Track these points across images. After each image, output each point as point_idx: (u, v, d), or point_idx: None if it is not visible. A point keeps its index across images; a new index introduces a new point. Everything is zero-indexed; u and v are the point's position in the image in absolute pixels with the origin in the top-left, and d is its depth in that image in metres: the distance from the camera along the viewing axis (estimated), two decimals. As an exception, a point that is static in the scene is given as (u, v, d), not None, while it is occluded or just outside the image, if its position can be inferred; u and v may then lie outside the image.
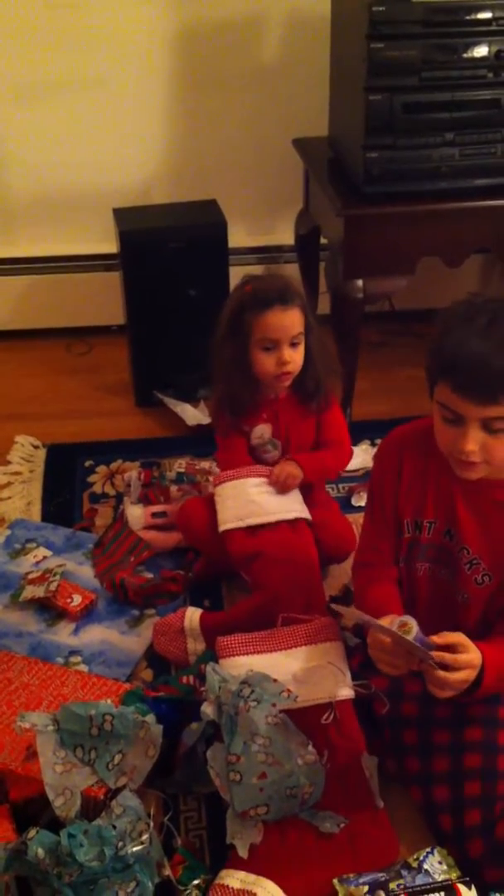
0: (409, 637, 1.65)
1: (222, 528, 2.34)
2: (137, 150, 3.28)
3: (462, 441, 1.67)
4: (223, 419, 2.44)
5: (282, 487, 2.37)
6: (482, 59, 2.56)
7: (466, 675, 1.68)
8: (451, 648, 1.69)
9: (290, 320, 2.28)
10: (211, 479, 2.70)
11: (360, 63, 2.56)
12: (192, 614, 2.23)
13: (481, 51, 2.55)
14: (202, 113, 3.25)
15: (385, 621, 1.71)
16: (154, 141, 3.28)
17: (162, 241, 2.94)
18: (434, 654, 1.67)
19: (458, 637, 1.70)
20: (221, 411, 2.44)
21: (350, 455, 2.52)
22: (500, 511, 1.80)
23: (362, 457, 2.87)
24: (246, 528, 2.33)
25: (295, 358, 2.31)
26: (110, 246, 3.16)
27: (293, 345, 2.31)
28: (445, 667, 1.68)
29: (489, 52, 2.55)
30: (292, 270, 3.30)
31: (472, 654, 1.68)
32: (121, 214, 3.03)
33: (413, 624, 1.68)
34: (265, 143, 3.30)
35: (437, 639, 1.68)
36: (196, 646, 2.20)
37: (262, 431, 2.43)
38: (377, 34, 2.50)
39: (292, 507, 2.39)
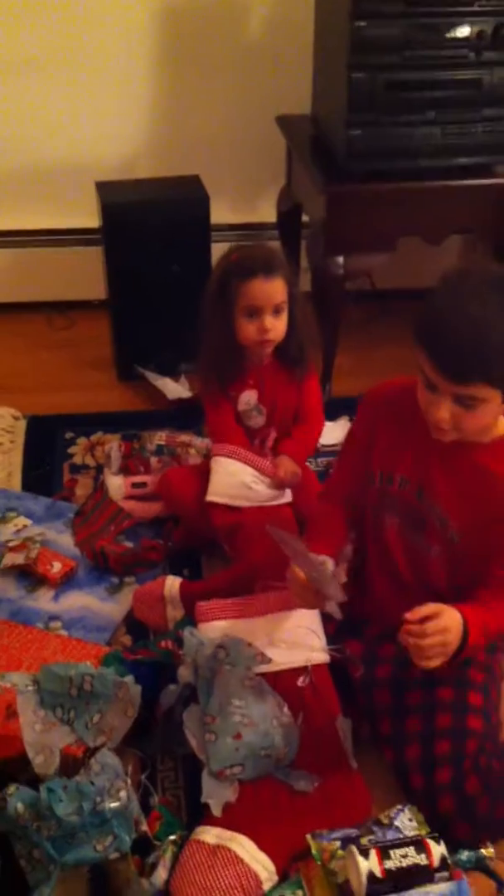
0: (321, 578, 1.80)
1: (209, 498, 2.38)
2: (121, 124, 3.29)
3: (434, 408, 1.72)
4: (211, 384, 2.47)
5: (284, 485, 2.43)
6: (464, 39, 2.60)
7: (439, 640, 1.70)
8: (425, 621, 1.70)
9: (273, 289, 2.32)
10: (192, 451, 2.74)
11: (343, 41, 2.58)
12: (172, 582, 2.26)
13: (463, 31, 2.58)
14: (186, 88, 3.26)
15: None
16: (138, 116, 3.29)
17: (144, 215, 2.96)
18: (406, 627, 1.70)
19: (429, 608, 1.72)
20: (209, 376, 2.47)
21: (322, 423, 2.58)
22: (476, 473, 1.82)
23: (340, 432, 2.90)
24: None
25: (277, 326, 2.35)
26: (92, 220, 3.17)
27: (276, 313, 2.34)
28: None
29: (471, 32, 2.58)
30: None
31: (444, 620, 1.71)
32: (103, 188, 3.04)
33: (330, 565, 1.85)
34: (248, 120, 3.32)
35: (410, 615, 1.71)
36: (175, 613, 2.23)
37: (248, 398, 2.47)
38: (360, 12, 2.53)
39: (277, 497, 2.44)
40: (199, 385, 2.52)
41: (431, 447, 1.84)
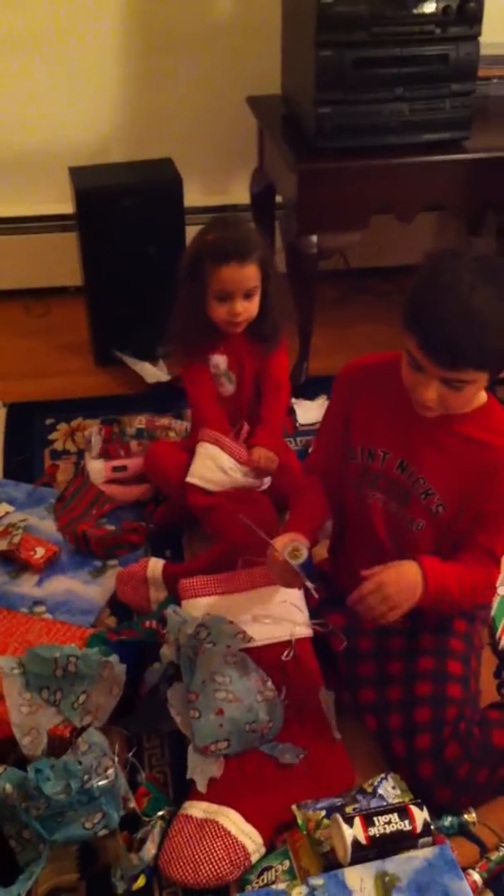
0: (296, 562, 1.88)
1: (188, 479, 2.40)
2: (92, 109, 3.28)
3: (421, 390, 1.74)
4: (178, 350, 2.50)
5: (262, 472, 2.44)
6: (431, 14, 2.60)
7: (377, 597, 1.75)
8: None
9: (246, 275, 2.32)
10: (172, 434, 2.75)
11: (311, 19, 2.58)
12: (155, 564, 2.28)
13: (430, 6, 2.58)
14: (156, 71, 3.26)
15: (280, 542, 1.90)
16: (109, 100, 3.28)
17: (118, 198, 2.95)
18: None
19: (372, 570, 1.79)
20: (176, 344, 2.49)
21: (288, 392, 2.60)
22: (458, 442, 1.85)
23: (318, 411, 2.92)
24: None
25: (248, 308, 2.37)
26: (66, 206, 3.17)
27: (246, 297, 2.36)
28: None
29: (437, 7, 2.59)
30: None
31: (378, 577, 1.77)
32: (77, 173, 3.04)
33: (304, 551, 1.90)
34: (219, 102, 3.31)
35: (366, 573, 1.79)
36: (158, 594, 2.25)
37: (217, 361, 2.48)
38: (327, -11, 2.53)
39: (256, 485, 2.46)
40: (173, 356, 2.51)
41: (412, 419, 1.85)
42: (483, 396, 1.86)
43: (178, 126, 3.34)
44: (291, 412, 2.93)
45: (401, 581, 1.78)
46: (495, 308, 1.64)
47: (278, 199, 3.23)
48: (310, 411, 2.93)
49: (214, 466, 2.41)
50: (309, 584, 1.90)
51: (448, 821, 1.78)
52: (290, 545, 1.91)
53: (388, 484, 1.94)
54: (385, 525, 1.98)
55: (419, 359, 1.70)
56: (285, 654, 1.99)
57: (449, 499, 1.88)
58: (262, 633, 2.00)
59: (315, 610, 2.06)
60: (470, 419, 1.84)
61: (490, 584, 1.95)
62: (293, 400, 2.93)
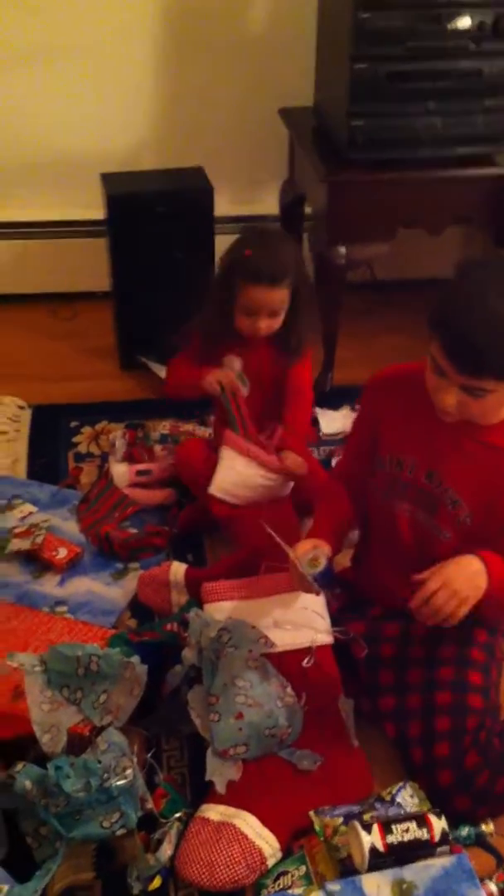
0: (315, 571, 1.91)
1: (211, 491, 2.41)
2: (126, 116, 3.31)
3: (442, 394, 1.75)
4: (195, 340, 2.50)
5: (291, 477, 2.45)
6: (465, 30, 2.62)
7: (446, 594, 1.71)
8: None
9: (274, 297, 2.35)
10: (209, 434, 2.77)
11: (347, 32, 2.61)
12: (178, 568, 2.29)
13: (465, 22, 2.60)
14: (190, 80, 3.28)
15: (301, 548, 1.93)
16: (142, 108, 3.31)
17: (149, 205, 2.98)
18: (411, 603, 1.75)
19: (427, 573, 1.77)
20: (197, 336, 2.50)
21: (310, 405, 2.60)
22: (485, 452, 1.84)
23: (342, 421, 2.93)
24: None
25: (271, 325, 2.39)
26: (97, 212, 3.19)
27: (271, 315, 2.37)
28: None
29: (472, 23, 2.61)
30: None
31: (441, 574, 1.74)
32: (108, 179, 3.06)
33: (322, 560, 1.92)
34: (252, 113, 3.34)
35: (420, 576, 1.77)
36: (179, 598, 2.26)
37: (232, 363, 2.49)
38: (365, 3, 2.55)
39: (278, 495, 2.47)
40: (191, 347, 2.53)
41: (440, 429, 1.85)
42: None
43: (209, 135, 3.37)
44: (315, 422, 2.94)
45: (465, 572, 1.75)
46: None
47: (307, 210, 3.25)
48: (334, 421, 2.93)
49: (239, 481, 2.41)
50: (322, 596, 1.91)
51: (465, 831, 1.78)
52: (309, 553, 1.93)
53: (417, 493, 1.95)
54: (412, 535, 1.98)
55: (442, 364, 1.70)
56: (306, 660, 1.99)
57: (476, 508, 1.88)
58: (283, 639, 2.01)
59: (336, 617, 2.06)
60: (497, 429, 1.84)
61: None
62: (317, 409, 2.94)
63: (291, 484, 2.48)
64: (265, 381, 2.53)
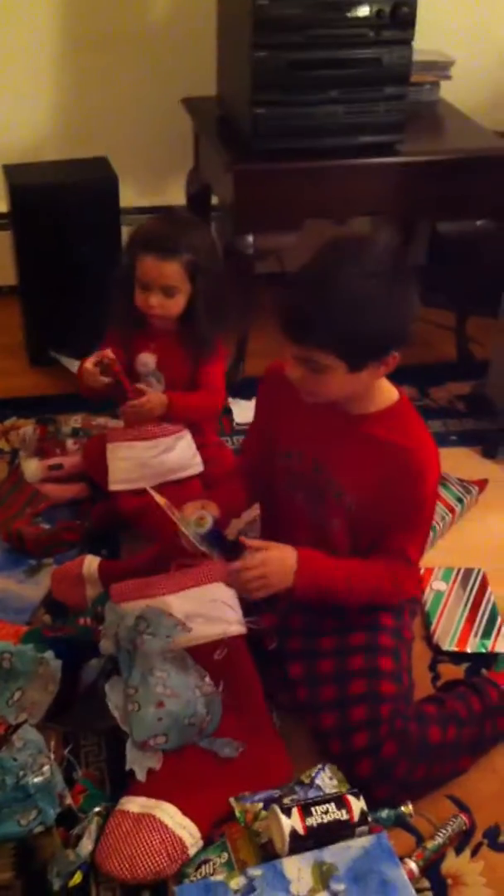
0: (202, 530, 1.88)
1: (111, 488, 2.40)
2: (27, 106, 3.26)
3: (287, 367, 1.79)
4: (111, 332, 2.48)
5: (140, 416, 2.41)
6: (364, 18, 2.63)
7: (258, 573, 1.80)
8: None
9: (163, 271, 2.32)
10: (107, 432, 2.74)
11: (246, 20, 2.60)
12: (91, 561, 2.26)
13: (363, 10, 2.62)
14: (91, 70, 3.25)
15: (189, 507, 1.93)
16: (43, 98, 3.26)
17: (53, 196, 2.94)
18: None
19: (262, 543, 1.85)
20: (112, 325, 2.48)
21: (221, 401, 2.58)
22: (365, 443, 1.86)
23: (253, 411, 2.93)
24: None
25: (165, 304, 2.36)
26: (0, 205, 3.14)
27: (165, 293, 2.35)
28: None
29: (371, 11, 2.62)
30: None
31: (271, 550, 1.83)
32: (10, 171, 3.01)
33: (209, 519, 1.90)
34: (155, 102, 3.31)
35: (250, 542, 1.85)
36: (94, 592, 2.23)
37: (146, 359, 2.47)
38: (262, -8, 2.55)
39: (184, 465, 2.45)
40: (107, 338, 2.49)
41: (324, 421, 1.87)
42: (392, 395, 1.88)
43: (113, 126, 3.33)
44: (228, 411, 2.94)
45: (282, 565, 1.83)
46: (349, 291, 1.65)
47: (214, 200, 3.24)
48: (246, 411, 2.93)
49: (129, 467, 2.41)
50: (212, 555, 1.91)
51: (385, 813, 1.79)
52: (195, 514, 1.91)
53: (307, 483, 1.97)
54: (307, 524, 2.01)
55: (279, 331, 1.73)
56: (218, 652, 1.98)
57: (359, 499, 1.90)
58: (196, 633, 1.99)
59: (247, 608, 2.05)
60: (378, 420, 1.86)
61: (400, 585, 1.94)
62: (230, 399, 2.93)
63: (185, 440, 2.46)
64: (178, 379, 2.50)
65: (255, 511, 2.29)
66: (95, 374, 2.35)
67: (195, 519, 1.90)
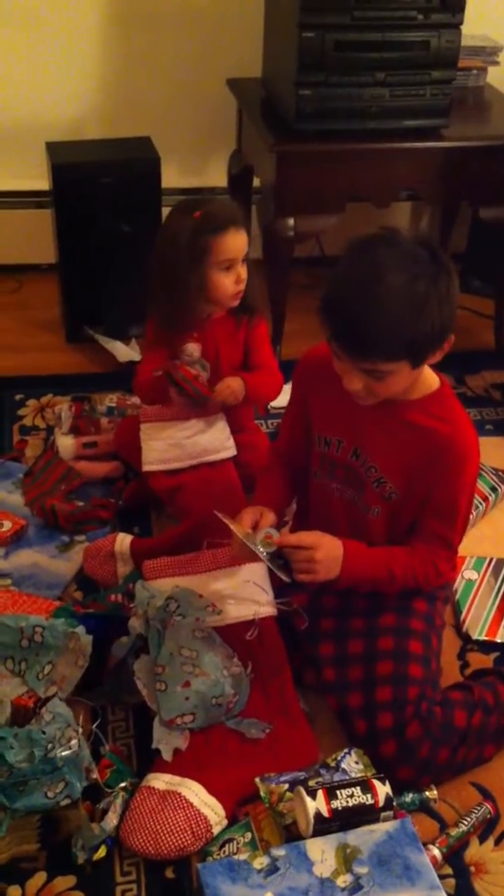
0: (269, 550, 1.86)
1: (145, 468, 2.40)
2: (72, 84, 3.25)
3: (347, 379, 1.75)
4: (157, 333, 2.46)
5: (223, 403, 2.41)
6: (413, 0, 2.61)
7: (305, 556, 1.81)
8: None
9: (244, 241, 2.33)
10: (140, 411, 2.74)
11: (294, 1, 2.58)
12: (123, 539, 2.28)
13: (412, -8, 2.60)
14: (137, 49, 3.24)
15: (245, 517, 1.92)
16: (88, 76, 3.26)
17: (95, 175, 2.94)
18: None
19: (310, 535, 1.85)
20: (157, 326, 2.46)
21: (282, 382, 2.53)
22: (407, 430, 1.85)
23: (288, 395, 2.92)
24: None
25: (243, 276, 2.36)
26: (42, 183, 3.15)
27: (244, 263, 2.36)
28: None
29: (420, -6, 2.60)
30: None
31: (324, 537, 1.83)
32: (54, 148, 3.02)
33: (275, 537, 1.87)
34: (199, 83, 3.30)
35: (291, 538, 1.84)
36: (125, 569, 2.25)
37: (191, 350, 2.45)
38: (311, -28, 2.53)
39: (217, 448, 2.44)
40: (148, 336, 2.50)
41: (363, 408, 1.85)
42: (433, 382, 1.87)
43: (157, 105, 3.33)
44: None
45: (331, 554, 1.83)
46: (403, 297, 1.62)
47: (256, 182, 3.23)
48: (282, 395, 2.92)
49: (165, 446, 2.41)
50: (275, 569, 1.88)
51: (409, 797, 1.79)
52: (261, 533, 1.89)
53: (345, 472, 1.96)
54: (343, 512, 2.00)
55: (334, 349, 1.71)
56: (249, 633, 1.99)
57: (400, 485, 1.89)
58: (227, 613, 2.01)
59: (278, 589, 2.06)
60: (418, 406, 1.85)
61: (440, 570, 1.94)
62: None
63: (219, 422, 2.46)
64: (223, 362, 2.48)
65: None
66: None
67: (262, 539, 1.89)
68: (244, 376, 2.43)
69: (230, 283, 2.35)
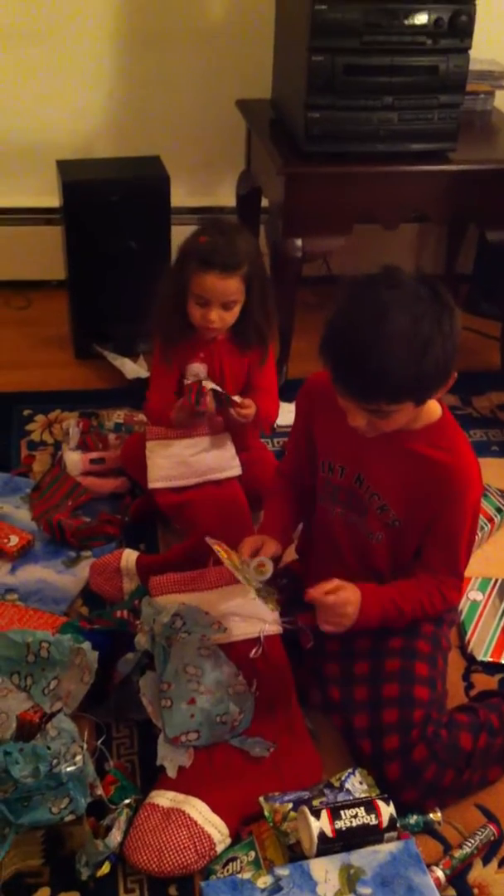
0: (262, 577, 1.92)
1: (151, 486, 2.41)
2: (83, 103, 3.28)
3: (351, 417, 1.75)
4: (163, 351, 2.47)
5: (244, 423, 2.43)
6: (422, 25, 2.63)
7: (340, 611, 1.82)
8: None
9: (226, 287, 2.29)
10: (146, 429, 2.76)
11: (304, 24, 2.60)
12: (129, 555, 2.29)
13: (422, 18, 2.61)
14: (148, 69, 3.27)
15: (246, 546, 1.95)
16: (99, 95, 3.29)
17: (105, 193, 2.96)
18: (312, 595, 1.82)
19: (332, 584, 1.83)
20: (158, 340, 2.47)
21: (278, 406, 2.56)
22: (409, 459, 1.85)
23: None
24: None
25: (224, 317, 2.34)
26: (52, 200, 3.18)
27: (224, 307, 2.33)
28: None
29: (429, 19, 2.61)
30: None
31: (346, 592, 1.82)
32: (64, 166, 3.04)
33: (270, 568, 1.92)
34: (209, 103, 3.33)
35: (314, 592, 1.82)
36: (131, 585, 2.26)
37: (196, 370, 2.46)
38: (321, -4, 2.56)
39: (223, 466, 2.45)
40: (155, 351, 2.51)
41: (364, 436, 1.84)
42: (435, 411, 1.87)
43: (166, 125, 3.36)
44: (269, 413, 2.95)
45: (357, 605, 1.83)
46: (407, 340, 1.61)
47: (264, 202, 3.25)
48: (287, 413, 2.91)
49: (170, 463, 2.42)
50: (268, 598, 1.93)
51: (413, 819, 1.80)
52: (255, 560, 1.93)
53: (348, 497, 1.96)
54: (346, 537, 2.01)
55: (337, 389, 1.71)
56: (254, 651, 1.99)
57: (402, 513, 1.90)
58: (232, 630, 2.01)
59: (285, 608, 2.07)
60: (421, 436, 1.85)
61: (447, 598, 1.95)
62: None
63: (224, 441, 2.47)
64: (229, 384, 2.49)
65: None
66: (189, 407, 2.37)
67: (255, 567, 1.92)
68: (256, 402, 2.44)
69: (198, 316, 2.34)
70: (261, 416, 2.47)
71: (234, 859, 1.71)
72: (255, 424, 2.51)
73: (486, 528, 2.48)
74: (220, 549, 1.93)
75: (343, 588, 1.82)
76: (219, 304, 2.32)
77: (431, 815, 1.81)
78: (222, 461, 2.46)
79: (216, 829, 1.73)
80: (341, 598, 1.81)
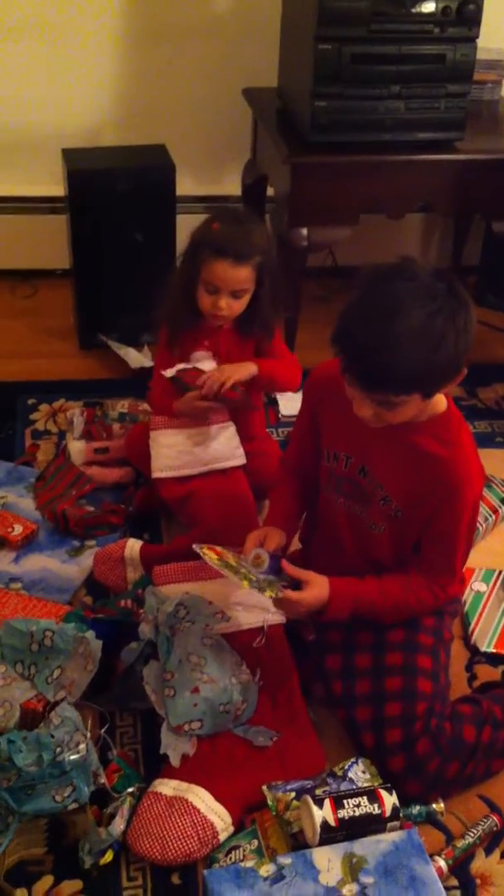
0: (259, 570, 1.92)
1: (154, 475, 2.40)
2: (88, 91, 3.27)
3: (357, 406, 1.75)
4: (166, 334, 2.47)
5: (216, 390, 2.36)
6: (430, 14, 2.62)
7: (293, 609, 1.90)
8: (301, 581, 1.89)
9: (237, 276, 2.29)
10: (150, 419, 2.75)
11: (311, 13, 2.60)
12: (133, 545, 2.29)
13: (429, 6, 2.60)
14: (154, 58, 3.26)
15: (250, 540, 1.97)
16: (105, 83, 3.28)
17: (111, 182, 2.95)
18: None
19: (307, 574, 1.88)
20: (165, 324, 2.47)
21: (300, 370, 2.50)
22: (411, 452, 1.85)
23: (300, 403, 2.93)
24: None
25: (232, 306, 2.33)
26: (57, 189, 3.17)
27: (233, 296, 2.32)
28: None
29: (436, 7, 2.61)
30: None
31: (309, 591, 1.87)
32: (70, 155, 3.03)
33: (265, 559, 1.93)
34: (215, 92, 3.32)
35: (290, 570, 1.88)
36: (135, 575, 2.26)
37: (201, 358, 2.45)
38: (328, -16, 2.55)
39: (227, 456, 2.44)
40: (160, 337, 2.49)
41: (369, 428, 1.84)
42: (441, 404, 1.86)
43: (172, 114, 3.35)
44: (274, 402, 2.95)
45: (313, 605, 1.88)
46: (420, 334, 1.61)
47: (270, 191, 3.24)
48: (292, 402, 2.93)
49: (174, 452, 2.41)
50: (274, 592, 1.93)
51: (416, 809, 1.80)
52: (252, 552, 1.94)
53: (351, 487, 1.96)
54: (348, 527, 2.00)
55: (346, 379, 1.71)
56: (257, 640, 2.00)
57: (404, 505, 1.89)
58: (235, 620, 2.02)
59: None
60: (425, 429, 1.84)
61: (439, 597, 1.94)
62: (276, 392, 2.93)
63: (228, 430, 2.44)
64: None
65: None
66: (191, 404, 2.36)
67: (252, 559, 1.92)
68: (258, 361, 2.40)
69: (208, 303, 2.33)
70: (277, 376, 2.45)
71: (236, 848, 1.71)
72: (274, 387, 2.53)
73: (490, 520, 2.48)
74: (208, 552, 1.92)
75: (310, 584, 1.87)
76: (228, 292, 2.31)
77: (434, 806, 1.81)
78: (226, 451, 2.45)
79: (219, 817, 1.74)
80: (294, 596, 1.85)
